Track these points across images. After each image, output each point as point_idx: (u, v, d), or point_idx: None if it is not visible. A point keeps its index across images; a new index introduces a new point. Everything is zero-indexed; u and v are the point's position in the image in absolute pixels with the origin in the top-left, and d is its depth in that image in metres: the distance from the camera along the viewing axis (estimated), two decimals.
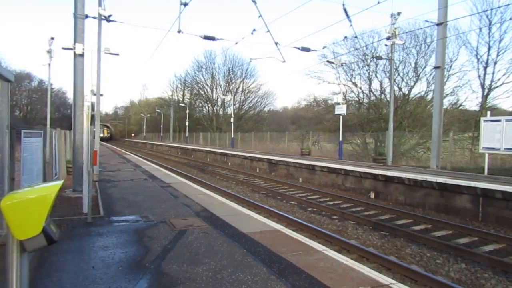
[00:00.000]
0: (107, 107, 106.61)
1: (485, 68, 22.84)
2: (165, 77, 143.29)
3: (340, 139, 20.78)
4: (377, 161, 18.14)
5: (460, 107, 25.64)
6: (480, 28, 22.49)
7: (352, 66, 29.22)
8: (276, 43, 13.63)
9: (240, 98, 51.76)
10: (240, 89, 51.55)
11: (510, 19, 21.52)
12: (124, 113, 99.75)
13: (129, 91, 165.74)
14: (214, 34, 13.74)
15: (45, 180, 7.18)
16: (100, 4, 10.25)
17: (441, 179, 10.66)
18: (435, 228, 8.70)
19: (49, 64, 24.82)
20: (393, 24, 16.15)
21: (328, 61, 24.46)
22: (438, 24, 15.21)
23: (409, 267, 5.90)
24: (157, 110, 62.40)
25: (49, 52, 24.37)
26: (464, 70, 24.70)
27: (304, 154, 23.64)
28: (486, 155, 12.90)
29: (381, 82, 28.01)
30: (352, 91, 29.96)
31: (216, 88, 53.77)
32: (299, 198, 12.21)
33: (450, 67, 24.60)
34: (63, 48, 9.96)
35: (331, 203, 11.82)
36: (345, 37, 16.79)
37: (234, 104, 43.22)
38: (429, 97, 25.42)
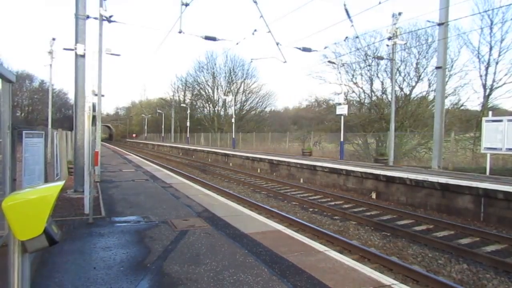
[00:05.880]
0: (108, 107, 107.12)
1: (486, 68, 22.82)
2: (166, 78, 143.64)
3: (342, 140, 20.77)
4: (379, 161, 18.11)
5: (462, 107, 25.60)
6: (482, 28, 22.46)
7: (354, 66, 29.21)
8: (277, 44, 13.65)
9: (241, 99, 51.86)
10: (241, 89, 51.66)
11: None
12: (126, 113, 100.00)
13: (130, 92, 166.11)
14: (215, 34, 13.76)
15: (46, 180, 7.17)
16: (101, 5, 10.27)
17: (442, 179, 10.63)
18: (437, 229, 8.68)
19: (51, 65, 24.85)
20: (395, 24, 16.14)
21: (329, 61, 24.47)
22: (439, 24, 15.18)
23: (411, 267, 5.89)
24: (158, 111, 62.50)
25: (50, 52, 24.41)
26: (466, 70, 24.67)
27: (305, 154, 23.63)
28: (488, 155, 12.87)
29: (382, 82, 28.02)
30: (354, 91, 29.95)
31: (217, 89, 53.87)
32: (301, 198, 12.19)
33: (452, 67, 24.58)
34: (64, 49, 10.02)
35: (332, 203, 11.81)
36: (347, 37, 16.75)
37: (235, 105, 43.24)
38: (431, 97, 25.37)
